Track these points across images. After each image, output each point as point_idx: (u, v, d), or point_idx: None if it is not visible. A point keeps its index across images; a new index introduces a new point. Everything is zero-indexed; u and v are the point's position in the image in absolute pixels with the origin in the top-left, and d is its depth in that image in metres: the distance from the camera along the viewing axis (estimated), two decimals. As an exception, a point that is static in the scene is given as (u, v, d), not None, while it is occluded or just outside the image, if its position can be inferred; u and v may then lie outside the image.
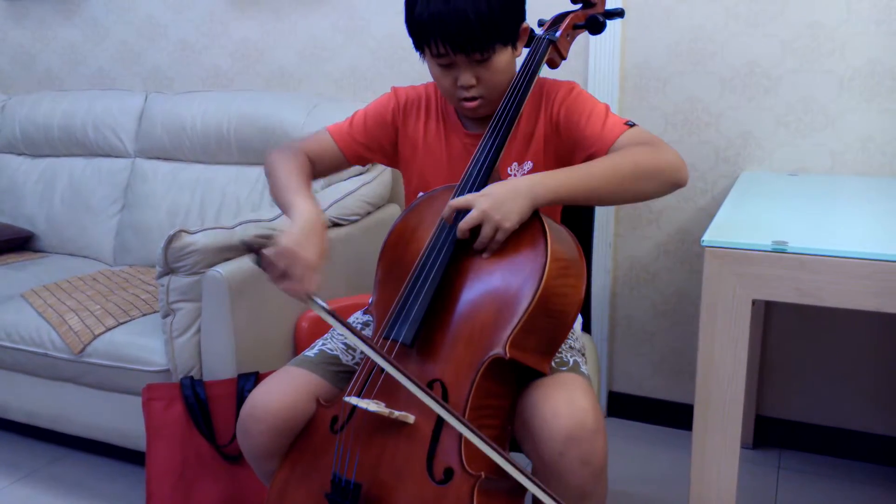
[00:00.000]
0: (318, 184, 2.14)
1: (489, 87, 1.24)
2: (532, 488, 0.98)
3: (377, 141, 1.39)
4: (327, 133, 1.40)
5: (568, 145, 1.28)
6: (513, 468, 0.98)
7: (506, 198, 1.11)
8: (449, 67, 1.23)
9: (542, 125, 1.30)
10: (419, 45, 1.25)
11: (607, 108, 1.26)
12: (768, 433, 2.08)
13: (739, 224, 1.38)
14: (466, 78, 1.22)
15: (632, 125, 1.22)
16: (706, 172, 2.01)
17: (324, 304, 1.09)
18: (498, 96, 1.26)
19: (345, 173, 2.13)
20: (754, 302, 1.24)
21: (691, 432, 1.30)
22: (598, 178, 1.14)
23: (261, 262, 1.11)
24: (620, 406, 2.24)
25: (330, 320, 1.08)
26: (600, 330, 2.18)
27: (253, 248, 1.12)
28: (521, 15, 1.26)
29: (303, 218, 1.17)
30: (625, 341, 2.20)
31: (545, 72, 1.31)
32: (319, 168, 1.39)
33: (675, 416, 2.17)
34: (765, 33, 1.89)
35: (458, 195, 1.17)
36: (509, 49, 1.25)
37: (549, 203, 1.13)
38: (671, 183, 1.17)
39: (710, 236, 1.25)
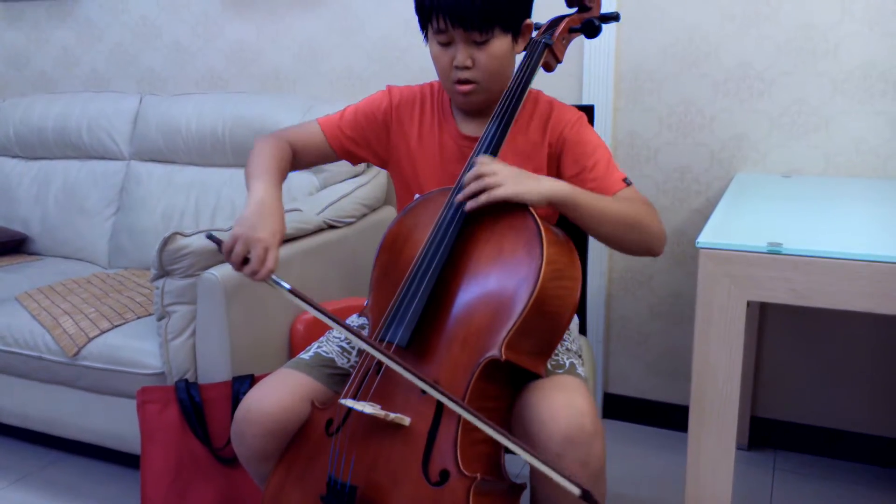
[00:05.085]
0: (314, 186, 2.14)
1: (484, 72, 1.24)
2: (543, 468, 0.97)
3: (366, 137, 1.39)
4: (317, 124, 1.40)
5: (566, 165, 1.29)
6: (522, 450, 0.98)
7: (521, 174, 1.15)
8: (447, 46, 1.23)
9: (548, 141, 1.31)
10: (423, 22, 1.26)
11: (610, 153, 1.31)
12: (763, 434, 2.08)
13: (734, 226, 1.38)
14: (462, 57, 1.22)
15: (629, 183, 1.28)
16: (700, 174, 2.01)
17: (286, 286, 1.08)
18: (492, 87, 1.27)
19: (341, 175, 2.13)
20: (749, 303, 1.25)
21: (686, 433, 1.30)
22: (607, 213, 1.20)
23: (222, 251, 1.12)
24: (616, 407, 2.24)
25: (296, 301, 1.08)
26: (596, 331, 2.19)
27: (215, 240, 1.13)
28: (527, 10, 1.26)
29: (254, 201, 1.18)
30: (620, 343, 2.20)
31: (541, 75, 1.31)
32: (304, 158, 1.39)
33: (671, 417, 2.18)
34: (759, 35, 1.90)
35: (454, 197, 1.18)
36: (509, 39, 1.24)
37: (556, 201, 1.16)
38: (649, 248, 1.25)
39: (705, 238, 1.26)
